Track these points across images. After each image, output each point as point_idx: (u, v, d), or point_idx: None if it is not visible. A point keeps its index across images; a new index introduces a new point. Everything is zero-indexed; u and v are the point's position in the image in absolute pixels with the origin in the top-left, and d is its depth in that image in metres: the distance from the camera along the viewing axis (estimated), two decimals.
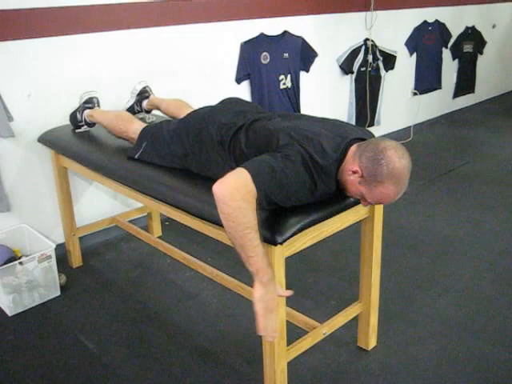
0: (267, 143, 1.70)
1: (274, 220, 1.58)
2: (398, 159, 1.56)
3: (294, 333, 1.89)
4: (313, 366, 2.06)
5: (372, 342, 2.16)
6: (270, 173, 1.53)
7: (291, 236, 1.58)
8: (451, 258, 2.85)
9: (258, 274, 1.50)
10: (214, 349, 2.18)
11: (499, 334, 2.23)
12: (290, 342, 1.79)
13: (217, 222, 1.67)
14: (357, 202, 1.76)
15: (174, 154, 2.01)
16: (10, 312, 2.42)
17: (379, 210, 1.95)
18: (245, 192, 1.47)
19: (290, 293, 1.59)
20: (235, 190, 1.47)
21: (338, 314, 2.04)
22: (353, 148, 1.65)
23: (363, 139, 1.72)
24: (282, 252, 1.60)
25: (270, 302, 1.51)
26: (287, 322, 1.74)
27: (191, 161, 1.97)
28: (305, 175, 1.59)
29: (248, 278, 1.73)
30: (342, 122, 1.90)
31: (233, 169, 1.57)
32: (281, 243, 1.55)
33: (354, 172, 1.60)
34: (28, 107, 2.63)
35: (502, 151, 4.67)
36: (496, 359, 2.09)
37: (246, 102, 2.32)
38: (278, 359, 1.73)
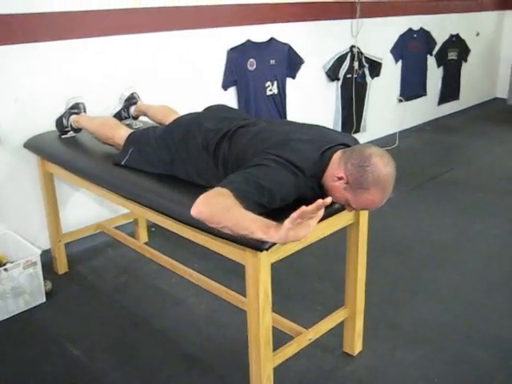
0: (247, 153, 1.73)
1: None
2: (384, 166, 1.58)
3: (279, 338, 1.89)
4: (299, 372, 2.07)
5: (358, 347, 2.17)
6: (245, 178, 1.57)
7: None
8: (437, 263, 2.87)
9: (268, 234, 1.43)
10: (200, 355, 2.18)
11: (485, 338, 2.25)
12: (275, 347, 1.79)
13: (203, 228, 1.68)
14: (342, 209, 1.77)
15: (160, 159, 2.01)
16: None
17: (364, 215, 1.96)
18: (213, 197, 1.52)
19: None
20: (202, 205, 1.52)
21: (324, 319, 2.05)
22: (337, 154, 1.67)
23: (348, 145, 1.74)
24: (268, 258, 1.61)
25: (289, 234, 1.39)
26: (273, 327, 1.74)
27: (177, 166, 1.97)
28: (284, 172, 1.60)
29: (235, 285, 1.74)
30: (327, 128, 1.92)
31: (218, 176, 1.59)
32: (266, 249, 1.56)
33: (340, 178, 1.62)
34: (14, 112, 2.62)
35: (486, 157, 4.72)
36: (482, 363, 2.10)
37: (232, 108, 2.34)
38: (264, 365, 1.73)
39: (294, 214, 1.36)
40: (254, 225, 1.44)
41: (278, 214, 1.53)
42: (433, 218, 3.47)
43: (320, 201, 1.35)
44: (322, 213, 1.40)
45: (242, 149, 1.77)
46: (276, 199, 1.59)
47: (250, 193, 1.54)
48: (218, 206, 1.51)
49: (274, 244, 1.57)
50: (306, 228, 1.40)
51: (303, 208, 1.34)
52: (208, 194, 1.55)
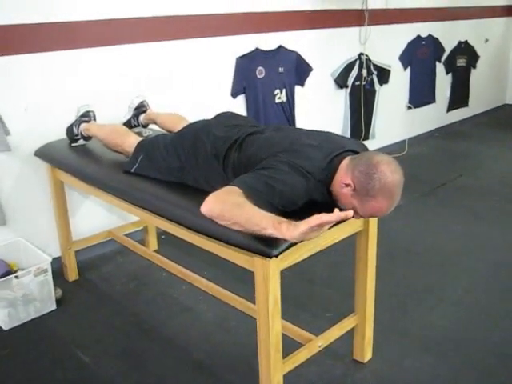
0: (257, 158, 1.73)
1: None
2: (391, 174, 1.58)
3: (289, 345, 1.89)
4: (309, 379, 2.06)
5: (368, 355, 2.16)
6: (255, 177, 1.59)
7: (287, 249, 1.58)
8: (446, 270, 2.86)
9: (280, 230, 1.43)
10: (209, 362, 2.18)
11: (496, 345, 2.24)
12: (285, 354, 1.79)
13: (212, 236, 1.68)
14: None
15: (170, 167, 2.02)
16: (5, 326, 2.41)
17: (374, 222, 1.96)
18: (224, 194, 1.53)
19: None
20: (213, 203, 1.54)
21: (334, 326, 2.04)
22: (346, 160, 1.67)
23: (356, 151, 1.75)
24: (277, 265, 1.61)
25: (308, 235, 1.41)
26: (283, 334, 1.74)
27: (187, 174, 1.98)
28: (295, 175, 1.61)
29: (245, 292, 1.74)
30: (336, 134, 1.93)
31: (227, 183, 1.60)
32: (276, 256, 1.56)
33: (347, 185, 1.62)
34: (25, 121, 2.65)
35: (496, 164, 4.71)
36: (493, 370, 2.09)
37: (241, 116, 2.34)
38: (273, 372, 1.73)
39: (313, 222, 1.37)
40: (265, 220, 1.45)
41: (290, 215, 1.53)
42: (442, 224, 3.45)
43: (342, 214, 1.37)
44: (334, 220, 1.41)
45: (251, 155, 1.78)
46: (286, 201, 1.61)
47: (260, 191, 1.56)
48: (228, 202, 1.52)
49: (284, 250, 1.57)
50: (316, 231, 1.42)
51: (323, 218, 1.36)
52: (218, 192, 1.57)
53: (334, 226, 1.75)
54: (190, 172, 1.97)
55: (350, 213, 1.39)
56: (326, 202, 1.71)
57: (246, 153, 1.82)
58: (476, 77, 6.05)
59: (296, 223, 1.42)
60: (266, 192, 1.57)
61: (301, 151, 1.68)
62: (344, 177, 1.64)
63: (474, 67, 5.99)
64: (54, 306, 2.55)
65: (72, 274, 2.82)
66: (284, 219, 1.45)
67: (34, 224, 2.80)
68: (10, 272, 2.49)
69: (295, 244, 1.61)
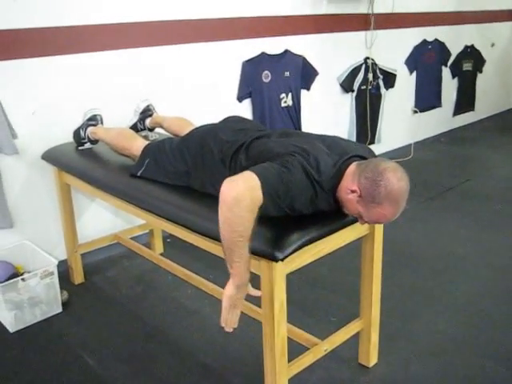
0: (266, 160, 1.73)
1: (275, 237, 1.60)
2: (397, 181, 1.58)
3: (295, 349, 1.89)
4: (314, 383, 2.06)
5: (373, 359, 2.16)
6: (276, 177, 1.56)
7: (292, 253, 1.59)
8: (451, 275, 2.85)
9: (234, 278, 1.58)
10: (214, 366, 2.18)
11: (501, 350, 2.23)
12: (291, 358, 1.79)
13: (218, 239, 1.68)
14: (357, 220, 1.77)
15: (176, 171, 2.03)
16: (11, 328, 2.42)
17: (379, 227, 1.96)
18: (251, 200, 1.49)
19: (258, 293, 1.66)
20: (242, 197, 1.48)
21: (339, 330, 2.04)
22: (352, 166, 1.67)
23: (362, 156, 1.74)
24: (282, 268, 1.61)
25: (237, 301, 1.63)
26: (288, 338, 1.75)
27: (193, 178, 1.99)
28: (306, 180, 1.61)
29: (250, 295, 1.74)
30: (342, 138, 1.92)
31: None
32: (282, 260, 1.56)
33: (353, 191, 1.62)
34: (32, 125, 2.66)
35: (502, 169, 4.69)
36: (498, 376, 2.08)
37: (247, 120, 2.35)
38: (279, 376, 1.73)
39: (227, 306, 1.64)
40: (239, 263, 1.54)
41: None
42: (448, 229, 3.45)
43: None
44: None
45: (258, 156, 1.77)
46: (294, 207, 1.62)
47: (277, 190, 1.55)
48: (241, 220, 1.49)
49: (289, 254, 1.58)
50: (235, 312, 1.66)
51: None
52: (246, 188, 1.51)
53: (337, 230, 1.76)
54: (197, 176, 1.97)
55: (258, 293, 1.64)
56: (331, 211, 1.71)
57: (252, 158, 1.81)
58: (482, 81, 6.04)
59: (237, 291, 1.60)
60: (282, 192, 1.56)
61: (313, 156, 1.66)
62: (350, 183, 1.64)
63: (481, 71, 5.99)
64: (59, 309, 2.56)
65: (78, 277, 2.83)
66: (246, 278, 1.59)
67: (40, 227, 2.81)
68: (16, 274, 2.50)
69: (301, 247, 1.62)
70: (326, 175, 1.64)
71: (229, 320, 1.66)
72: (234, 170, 1.85)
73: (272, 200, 1.54)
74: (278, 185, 1.56)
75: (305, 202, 1.63)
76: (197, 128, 2.19)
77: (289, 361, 1.77)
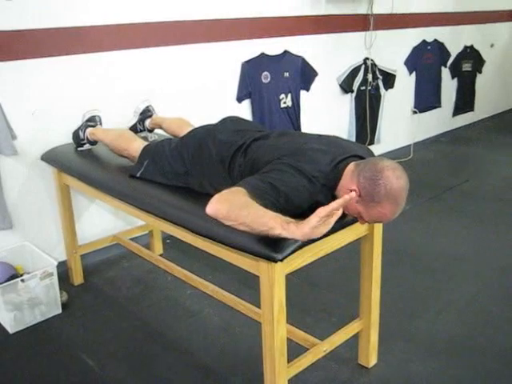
0: (262, 161, 1.74)
1: (275, 237, 1.59)
2: (396, 180, 1.58)
3: (294, 350, 1.89)
4: (313, 383, 2.07)
5: (373, 360, 2.15)
6: (260, 179, 1.60)
7: (291, 253, 1.59)
8: (452, 275, 2.85)
9: (288, 230, 1.44)
10: (214, 366, 2.18)
11: (500, 351, 2.23)
12: (290, 358, 1.79)
13: (217, 239, 1.69)
14: (356, 220, 1.77)
15: (176, 171, 2.03)
16: (11, 329, 2.42)
17: (378, 227, 1.96)
18: (229, 195, 1.53)
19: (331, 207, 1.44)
20: (218, 203, 1.54)
21: (339, 331, 2.04)
22: (350, 166, 1.67)
23: (361, 156, 1.75)
24: (282, 269, 1.61)
25: (317, 230, 1.44)
26: (288, 338, 1.74)
27: (192, 178, 1.99)
28: (299, 178, 1.62)
29: (250, 296, 1.74)
30: (341, 138, 1.92)
31: (232, 187, 1.60)
32: (281, 260, 1.56)
33: (352, 191, 1.62)
34: (31, 126, 2.66)
35: (502, 169, 4.69)
36: (497, 376, 2.08)
37: (246, 120, 2.35)
38: (278, 376, 1.73)
39: (322, 212, 1.39)
40: (272, 220, 1.45)
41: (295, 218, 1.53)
42: (448, 229, 3.45)
43: (346, 197, 1.44)
44: (341, 211, 1.45)
45: (256, 159, 1.79)
46: (291, 203, 1.61)
47: (266, 192, 1.56)
48: (234, 202, 1.52)
49: (289, 255, 1.58)
50: (326, 225, 1.44)
51: (330, 206, 1.40)
52: (223, 192, 1.57)
53: (336, 231, 1.76)
54: (196, 177, 1.98)
55: (352, 194, 1.46)
56: None
57: (251, 158, 1.82)
58: (482, 81, 6.04)
59: (304, 220, 1.43)
60: (271, 193, 1.57)
61: (306, 155, 1.69)
62: (349, 182, 1.64)
63: (480, 72, 5.99)
64: (59, 310, 2.56)
65: (77, 278, 2.83)
66: (291, 219, 1.47)
67: (40, 228, 2.81)
68: (16, 275, 2.50)
69: (300, 248, 1.62)
70: (321, 171, 1.66)
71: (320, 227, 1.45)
72: (233, 171, 1.86)
73: (267, 202, 1.55)
74: (267, 188, 1.58)
75: (304, 197, 1.64)
76: (196, 129, 2.20)
77: (288, 361, 1.77)
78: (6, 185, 2.64)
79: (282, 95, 3.85)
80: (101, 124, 2.63)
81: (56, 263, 2.52)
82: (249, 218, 1.48)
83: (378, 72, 4.53)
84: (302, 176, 1.62)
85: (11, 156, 2.60)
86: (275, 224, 1.45)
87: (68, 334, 2.42)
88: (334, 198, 1.69)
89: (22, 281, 2.42)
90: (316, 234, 1.45)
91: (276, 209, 1.55)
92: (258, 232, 1.49)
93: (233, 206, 1.52)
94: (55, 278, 2.51)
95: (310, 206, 1.65)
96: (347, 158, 1.71)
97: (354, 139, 4.48)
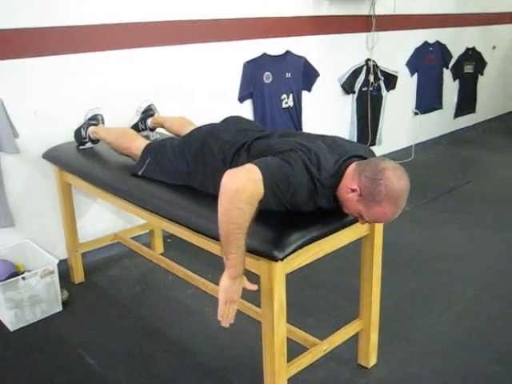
0: (268, 155, 1.74)
1: (275, 236, 1.60)
2: (397, 180, 1.58)
3: (294, 349, 1.89)
4: (313, 383, 2.06)
5: (372, 360, 2.16)
6: (278, 171, 1.58)
7: (292, 252, 1.59)
8: (451, 277, 2.85)
9: (230, 269, 1.58)
10: (214, 365, 2.18)
11: (499, 352, 2.23)
12: (290, 358, 1.80)
13: (218, 239, 1.69)
14: (357, 220, 1.78)
15: (177, 170, 2.03)
16: (11, 327, 2.43)
17: (379, 228, 1.96)
18: (252, 193, 1.50)
19: (254, 287, 1.64)
20: (243, 190, 1.49)
21: (339, 331, 2.04)
22: (352, 166, 1.67)
23: (363, 157, 1.75)
24: (282, 268, 1.62)
25: (233, 294, 1.62)
26: (287, 338, 1.75)
27: (194, 177, 1.99)
28: (306, 176, 1.62)
29: (250, 296, 1.75)
30: (343, 138, 1.92)
31: None
32: (281, 259, 1.57)
33: (353, 190, 1.62)
34: (33, 124, 2.67)
35: (503, 171, 4.69)
36: (496, 378, 2.09)
37: (248, 120, 2.35)
38: (278, 375, 1.73)
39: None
40: (235, 255, 1.55)
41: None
42: (449, 231, 3.45)
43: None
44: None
45: (260, 154, 1.77)
46: (295, 202, 1.63)
47: (279, 184, 1.57)
48: (240, 212, 1.51)
49: (289, 254, 1.58)
50: (232, 306, 1.65)
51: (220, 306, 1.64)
52: (248, 180, 1.52)
53: (337, 231, 1.76)
54: (197, 176, 1.98)
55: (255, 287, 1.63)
56: (331, 209, 1.72)
57: (254, 156, 1.82)
58: (483, 83, 6.04)
59: (238, 280, 1.60)
60: (283, 185, 1.58)
61: (317, 154, 1.67)
62: (350, 182, 1.64)
63: (482, 74, 5.98)
64: (60, 308, 2.57)
65: (78, 277, 2.83)
66: (241, 269, 1.59)
67: (41, 226, 2.82)
68: (16, 273, 2.51)
69: (301, 248, 1.62)
70: (326, 172, 1.65)
71: (225, 314, 1.65)
72: None
73: (273, 193, 1.56)
74: (280, 179, 1.57)
75: (305, 197, 1.64)
76: (198, 128, 2.20)
77: (288, 361, 1.78)
78: (8, 183, 2.64)
79: (284, 95, 3.85)
80: (103, 123, 2.63)
81: (57, 261, 2.52)
82: (229, 233, 1.54)
83: (379, 73, 4.54)
84: (307, 174, 1.62)
85: (13, 154, 2.61)
86: (230, 262, 1.57)
87: (68, 332, 2.42)
88: (335, 199, 1.70)
89: (23, 279, 2.42)
90: (221, 297, 1.63)
91: (279, 203, 1.61)
92: (220, 238, 1.57)
93: (239, 213, 1.51)
94: (56, 276, 2.52)
95: (309, 204, 1.66)
96: (349, 159, 1.71)
97: (355, 140, 4.48)
